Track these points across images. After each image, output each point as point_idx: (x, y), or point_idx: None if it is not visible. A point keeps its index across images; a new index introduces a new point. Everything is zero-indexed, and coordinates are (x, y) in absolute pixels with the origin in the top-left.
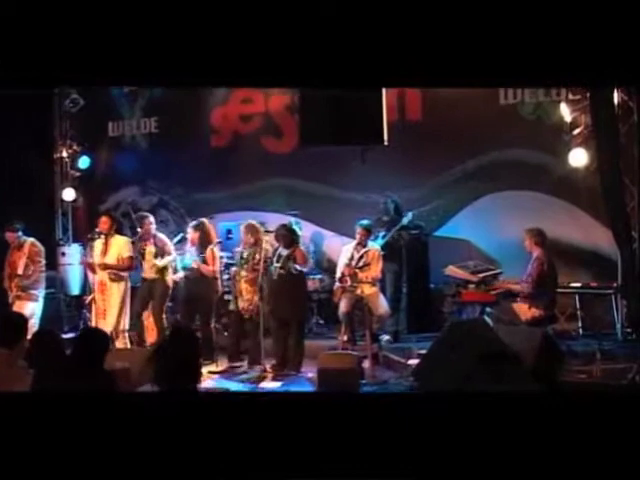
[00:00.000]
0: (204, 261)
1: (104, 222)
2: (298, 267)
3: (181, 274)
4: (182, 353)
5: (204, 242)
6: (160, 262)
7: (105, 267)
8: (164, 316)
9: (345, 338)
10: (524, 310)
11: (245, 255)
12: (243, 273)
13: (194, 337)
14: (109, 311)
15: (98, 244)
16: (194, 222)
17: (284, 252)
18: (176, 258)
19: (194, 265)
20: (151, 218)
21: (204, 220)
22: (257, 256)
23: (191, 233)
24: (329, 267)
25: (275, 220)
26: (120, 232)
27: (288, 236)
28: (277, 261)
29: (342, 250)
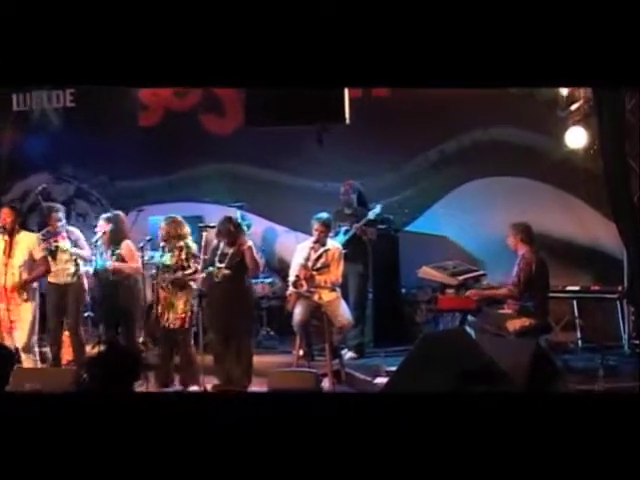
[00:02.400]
0: (120, 259)
1: (6, 215)
2: (250, 269)
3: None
4: (114, 374)
5: (118, 237)
6: (81, 252)
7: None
8: (82, 329)
9: (301, 353)
10: (512, 319)
11: (167, 256)
12: (167, 276)
13: (129, 355)
14: (19, 324)
15: None
16: (106, 214)
17: (229, 250)
18: (92, 257)
19: (113, 265)
20: (60, 213)
21: (118, 212)
22: (182, 256)
23: (103, 227)
24: (281, 269)
25: (217, 213)
26: (26, 227)
27: (233, 232)
28: (221, 261)
29: (296, 249)
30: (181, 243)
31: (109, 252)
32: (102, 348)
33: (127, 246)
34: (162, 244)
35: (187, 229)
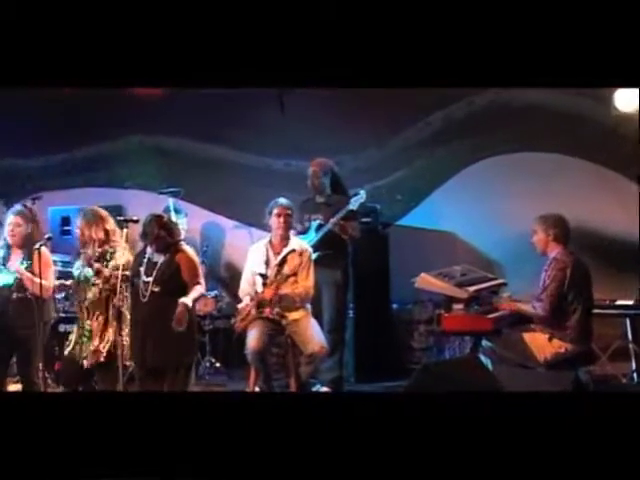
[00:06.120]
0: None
1: None
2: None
3: None
4: None
5: (33, 239)
6: None
7: None
8: None
9: (257, 389)
10: (542, 344)
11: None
12: (90, 295)
13: None
14: None
15: None
16: (17, 208)
17: (159, 259)
18: None
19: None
20: None
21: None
22: (112, 263)
23: (18, 225)
24: (230, 278)
25: (143, 204)
26: None
27: (163, 236)
28: (148, 274)
29: (250, 250)
30: (107, 247)
31: (20, 260)
32: None
33: (37, 253)
34: (80, 249)
35: (111, 223)
